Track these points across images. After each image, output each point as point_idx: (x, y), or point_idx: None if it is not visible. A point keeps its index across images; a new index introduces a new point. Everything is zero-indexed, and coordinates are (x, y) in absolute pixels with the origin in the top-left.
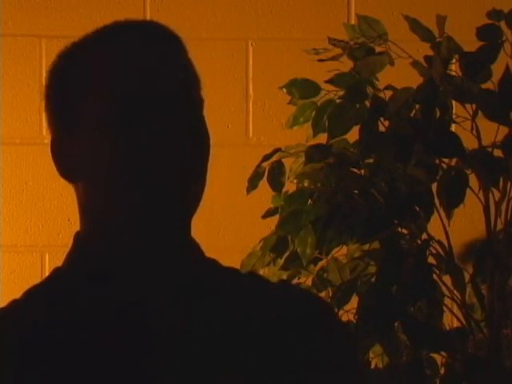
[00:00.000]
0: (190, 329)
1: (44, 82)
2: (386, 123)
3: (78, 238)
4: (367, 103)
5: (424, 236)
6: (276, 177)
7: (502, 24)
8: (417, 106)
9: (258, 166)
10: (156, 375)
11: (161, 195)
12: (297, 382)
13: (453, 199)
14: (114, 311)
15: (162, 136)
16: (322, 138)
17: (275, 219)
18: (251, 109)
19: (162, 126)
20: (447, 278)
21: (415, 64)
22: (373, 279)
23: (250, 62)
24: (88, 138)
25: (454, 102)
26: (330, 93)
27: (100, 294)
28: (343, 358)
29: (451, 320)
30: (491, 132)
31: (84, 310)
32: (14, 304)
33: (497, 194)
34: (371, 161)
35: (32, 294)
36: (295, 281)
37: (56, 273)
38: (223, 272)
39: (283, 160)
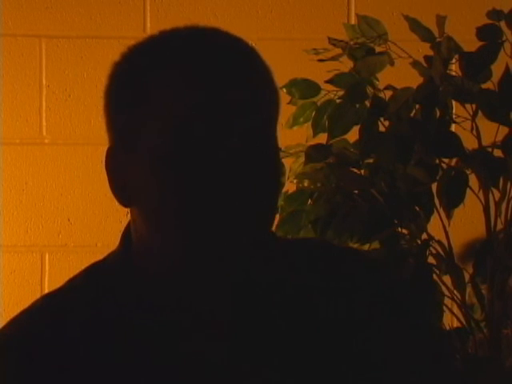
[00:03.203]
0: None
1: (106, 82)
2: (386, 123)
3: (130, 246)
4: (367, 103)
5: (424, 236)
6: None
7: (502, 24)
8: (417, 106)
9: None
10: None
11: (226, 246)
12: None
13: (453, 199)
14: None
15: (229, 176)
16: (322, 138)
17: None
18: None
19: (231, 162)
20: (447, 278)
21: (415, 64)
22: None
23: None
24: (150, 162)
25: (454, 102)
26: (330, 93)
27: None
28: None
29: (451, 320)
30: (491, 132)
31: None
32: (51, 298)
33: (497, 194)
34: (371, 161)
35: (72, 290)
36: None
37: (95, 270)
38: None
39: (283, 160)
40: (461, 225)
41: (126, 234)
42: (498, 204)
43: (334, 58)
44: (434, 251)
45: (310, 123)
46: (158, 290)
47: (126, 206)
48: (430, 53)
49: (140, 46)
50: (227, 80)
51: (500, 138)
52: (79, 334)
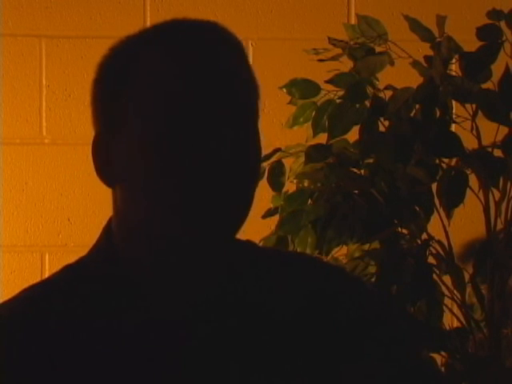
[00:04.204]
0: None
1: (94, 75)
2: (386, 123)
3: (111, 235)
4: (367, 103)
5: (424, 236)
6: (276, 177)
7: (502, 24)
8: (417, 106)
9: None
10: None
11: (208, 206)
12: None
13: (453, 199)
14: (141, 322)
15: (214, 141)
16: (322, 138)
17: (275, 219)
18: None
19: (215, 130)
20: (447, 278)
21: (415, 64)
22: (373, 279)
23: (250, 62)
24: (135, 140)
25: (454, 102)
26: (330, 93)
27: (126, 304)
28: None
29: (451, 320)
30: (491, 132)
31: (112, 303)
32: (30, 291)
33: (497, 194)
34: (371, 161)
35: (51, 282)
36: None
37: (70, 268)
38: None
39: (283, 160)
40: (461, 225)
41: (107, 229)
42: (498, 204)
43: (334, 58)
44: (434, 251)
45: (309, 123)
46: (141, 275)
47: (110, 185)
48: (430, 53)
49: (126, 37)
50: (214, 67)
51: (500, 137)
52: (60, 322)
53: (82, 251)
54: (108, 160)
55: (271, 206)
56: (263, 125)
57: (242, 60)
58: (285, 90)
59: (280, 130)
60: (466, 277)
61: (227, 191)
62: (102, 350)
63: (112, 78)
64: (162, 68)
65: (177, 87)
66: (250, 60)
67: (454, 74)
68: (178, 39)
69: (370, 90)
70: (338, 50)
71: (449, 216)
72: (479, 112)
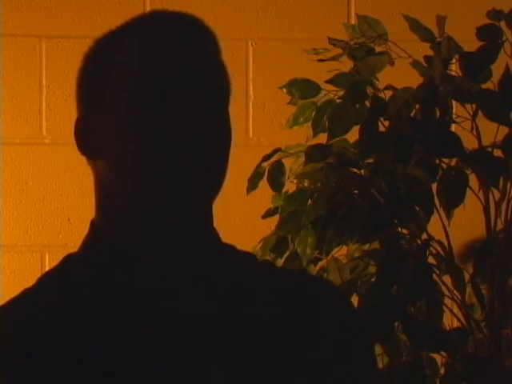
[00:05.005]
0: (209, 317)
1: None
2: (386, 123)
3: (94, 223)
4: (367, 103)
5: (424, 236)
6: (276, 177)
7: (502, 24)
8: (417, 106)
9: (258, 166)
10: (170, 359)
11: (184, 178)
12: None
13: (453, 199)
14: (130, 298)
15: (188, 118)
16: (322, 138)
17: (275, 219)
18: (251, 109)
19: (189, 107)
20: (447, 278)
21: (415, 64)
22: (373, 279)
23: (250, 62)
24: (113, 114)
25: (454, 102)
26: (330, 93)
27: (117, 281)
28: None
29: (451, 320)
30: (491, 132)
31: (99, 297)
32: (26, 292)
33: (497, 194)
34: (371, 161)
35: (45, 281)
36: None
37: (69, 259)
38: (241, 258)
39: (283, 160)
40: (461, 225)
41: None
42: (498, 204)
43: (334, 58)
44: (434, 251)
45: (310, 123)
46: (129, 256)
47: (93, 158)
48: (430, 53)
49: (109, 30)
50: (193, 48)
51: (500, 137)
52: (57, 315)
53: None
54: (90, 135)
55: (271, 205)
56: (263, 125)
57: (217, 47)
58: (285, 90)
59: (280, 130)
60: (466, 277)
61: (203, 164)
62: (99, 341)
63: (93, 61)
64: (141, 49)
65: (155, 65)
66: (250, 60)
67: (454, 73)
68: (157, 25)
69: (369, 90)
70: (338, 50)
71: (449, 216)
72: (479, 112)
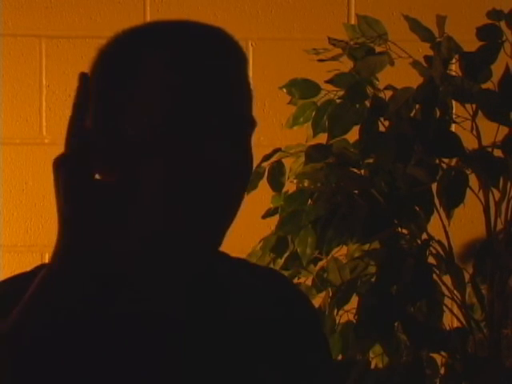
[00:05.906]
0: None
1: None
2: (386, 123)
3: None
4: (367, 103)
5: (424, 236)
6: (276, 177)
7: (502, 24)
8: (417, 106)
9: (258, 166)
10: (167, 369)
11: (203, 212)
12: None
13: (453, 199)
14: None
15: (212, 147)
16: (322, 138)
17: (275, 219)
18: None
19: (212, 138)
20: (447, 278)
21: (415, 64)
22: (373, 279)
23: (250, 62)
24: (133, 133)
25: (454, 102)
26: (330, 93)
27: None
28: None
29: (451, 320)
30: (491, 132)
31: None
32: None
33: (497, 194)
34: (371, 161)
35: (8, 281)
36: (295, 281)
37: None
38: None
39: (283, 160)
40: (461, 225)
41: None
42: (498, 204)
43: (334, 58)
44: (434, 251)
45: (309, 123)
46: (130, 269)
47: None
48: (430, 53)
49: (130, 31)
50: (218, 76)
51: (500, 137)
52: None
53: None
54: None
55: (271, 205)
56: (263, 125)
57: (245, 70)
58: (285, 90)
59: (280, 130)
60: (466, 277)
61: (220, 197)
62: (99, 345)
63: (115, 74)
64: (165, 71)
65: (178, 90)
66: (250, 60)
67: (454, 73)
68: (182, 44)
69: (369, 90)
70: (338, 50)
71: (449, 216)
72: (479, 112)
